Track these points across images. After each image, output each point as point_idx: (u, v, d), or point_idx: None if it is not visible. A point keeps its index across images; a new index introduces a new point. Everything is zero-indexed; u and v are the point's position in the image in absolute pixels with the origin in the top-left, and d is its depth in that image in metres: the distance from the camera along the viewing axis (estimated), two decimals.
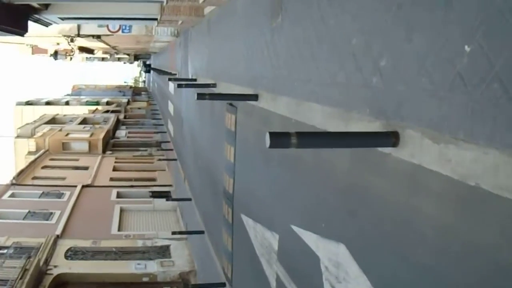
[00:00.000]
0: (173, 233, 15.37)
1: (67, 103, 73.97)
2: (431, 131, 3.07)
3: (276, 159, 6.59)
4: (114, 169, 33.20)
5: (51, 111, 62.43)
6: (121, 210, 24.13)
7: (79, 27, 25.20)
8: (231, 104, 9.75)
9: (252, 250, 8.05)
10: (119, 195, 26.65)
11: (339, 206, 4.61)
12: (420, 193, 3.22)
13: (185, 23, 14.84)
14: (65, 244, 19.34)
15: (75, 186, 27.93)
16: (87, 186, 28.32)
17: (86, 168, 33.27)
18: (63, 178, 30.65)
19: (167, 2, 10.50)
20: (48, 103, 73.44)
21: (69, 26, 25.24)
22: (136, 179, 30.27)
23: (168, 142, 31.03)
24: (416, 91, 3.25)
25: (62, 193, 27.13)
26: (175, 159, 25.19)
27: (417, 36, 3.26)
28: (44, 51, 44.53)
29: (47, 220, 23.14)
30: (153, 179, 30.48)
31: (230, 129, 9.95)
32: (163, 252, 18.91)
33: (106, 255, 18.90)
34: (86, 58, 67.05)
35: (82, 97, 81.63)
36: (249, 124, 8.24)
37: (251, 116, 8.09)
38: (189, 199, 18.17)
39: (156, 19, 13.88)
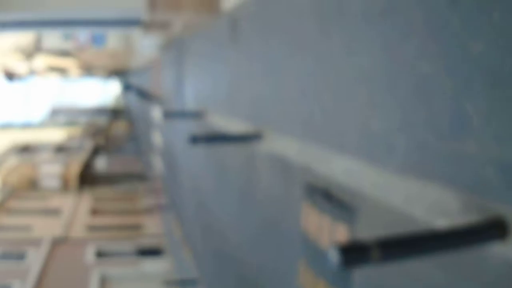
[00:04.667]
0: None
1: (42, 126, 68.32)
2: None
3: None
4: (91, 212, 27.31)
5: (25, 136, 56.19)
6: (101, 278, 18.37)
7: (39, 40, 19.45)
8: (329, 197, 4.24)
9: None
10: (97, 253, 20.80)
11: None
12: None
13: (185, 27, 9.31)
14: None
15: (43, 240, 22.06)
16: (58, 239, 22.42)
17: (57, 212, 27.37)
18: (29, 228, 24.71)
19: None
20: (22, 127, 67.73)
21: (26, 40, 19.53)
22: (118, 227, 24.44)
23: (156, 179, 25.35)
24: None
25: (26, 252, 21.20)
26: (166, 207, 19.55)
27: None
28: (17, 70, 39.22)
29: None
30: (139, 226, 24.66)
31: (320, 248, 4.45)
32: None
33: None
34: (63, 77, 61.74)
35: (59, 119, 76.15)
36: None
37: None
38: (195, 280, 12.58)
39: (138, 22, 8.35)
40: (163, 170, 21.42)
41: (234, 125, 7.23)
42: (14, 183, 33.19)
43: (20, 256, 21.16)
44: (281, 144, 5.37)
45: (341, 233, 4.12)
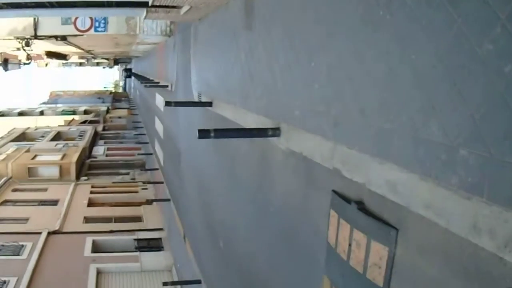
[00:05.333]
0: None
1: (41, 113, 67.44)
2: None
3: None
4: (90, 203, 26.66)
5: (24, 123, 55.32)
6: (98, 273, 17.81)
7: (36, 26, 18.67)
8: (364, 210, 3.64)
9: None
10: (95, 247, 20.19)
11: None
12: None
13: (194, 9, 8.69)
14: None
15: (40, 233, 21.36)
16: (55, 232, 21.77)
17: (55, 203, 26.65)
18: (26, 220, 23.98)
19: None
20: (21, 114, 66.88)
21: (23, 25, 18.78)
22: (117, 219, 23.81)
23: (157, 169, 24.77)
24: None
25: (22, 246, 20.45)
26: (168, 200, 18.97)
27: None
28: (15, 57, 38.27)
29: None
30: (139, 218, 24.04)
31: (352, 267, 3.87)
32: None
33: None
34: (63, 63, 60.82)
35: (58, 105, 75.46)
36: None
37: None
38: (198, 282, 12.04)
39: (145, 3, 7.76)
40: (165, 160, 20.83)
41: (246, 118, 6.61)
42: (12, 172, 32.47)
43: (17, 251, 20.45)
44: (303, 143, 4.76)
45: (379, 254, 3.53)
